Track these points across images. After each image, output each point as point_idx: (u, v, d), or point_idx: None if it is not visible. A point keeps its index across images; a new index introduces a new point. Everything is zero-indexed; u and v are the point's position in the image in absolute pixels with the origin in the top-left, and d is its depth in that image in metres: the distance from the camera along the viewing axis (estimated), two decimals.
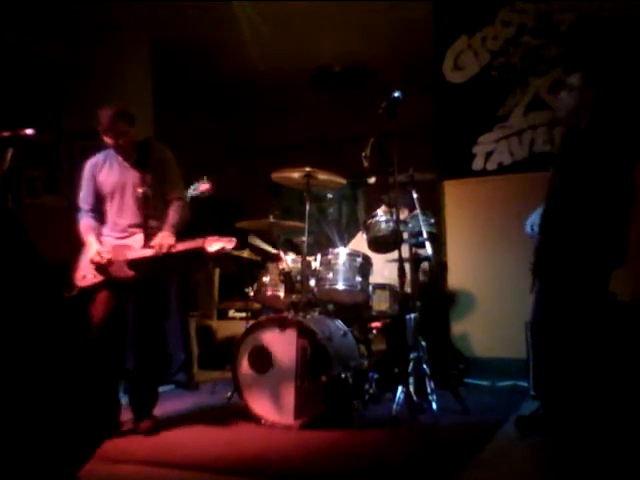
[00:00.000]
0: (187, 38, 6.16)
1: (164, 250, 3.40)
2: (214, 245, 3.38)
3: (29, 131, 3.48)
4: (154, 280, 3.53)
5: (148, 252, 3.42)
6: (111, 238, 3.54)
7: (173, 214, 3.56)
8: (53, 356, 1.88)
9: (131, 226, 3.54)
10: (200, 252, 3.44)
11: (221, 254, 3.46)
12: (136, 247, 3.46)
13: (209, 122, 7.88)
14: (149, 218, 3.53)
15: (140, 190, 3.51)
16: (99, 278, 3.45)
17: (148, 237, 3.48)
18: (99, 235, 3.56)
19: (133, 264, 3.44)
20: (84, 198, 3.63)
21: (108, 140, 3.52)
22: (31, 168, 4.98)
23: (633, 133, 3.54)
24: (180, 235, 4.80)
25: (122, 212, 3.56)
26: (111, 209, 3.58)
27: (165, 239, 3.42)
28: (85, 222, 3.59)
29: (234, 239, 3.41)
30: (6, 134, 3.38)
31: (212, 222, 6.81)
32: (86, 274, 3.47)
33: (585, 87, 3.20)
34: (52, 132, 3.67)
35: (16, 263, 1.86)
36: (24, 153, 3.51)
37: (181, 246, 3.45)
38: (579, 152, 3.16)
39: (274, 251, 4.49)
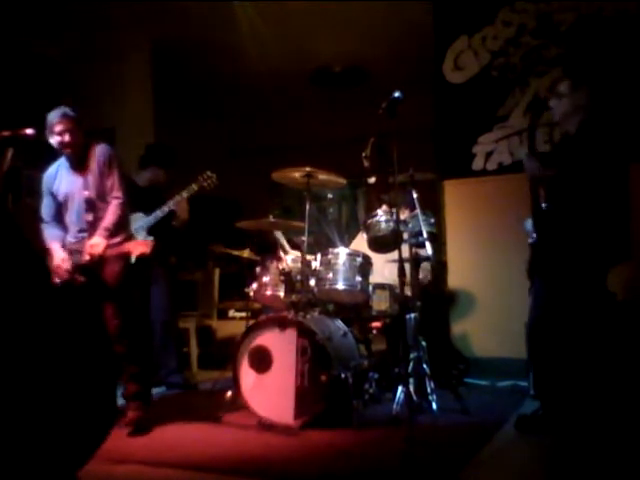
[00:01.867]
0: (187, 38, 6.16)
1: (95, 256, 3.41)
2: (137, 249, 3.46)
3: (29, 131, 3.49)
4: (104, 284, 3.52)
5: (85, 258, 3.44)
6: (69, 244, 3.58)
7: (108, 216, 3.55)
8: (53, 355, 1.88)
9: (81, 231, 3.57)
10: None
11: (144, 257, 3.50)
12: (84, 252, 3.48)
13: (209, 122, 7.88)
14: (96, 221, 3.54)
15: (84, 194, 3.54)
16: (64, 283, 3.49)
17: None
18: (63, 243, 3.60)
19: (82, 270, 3.46)
20: (44, 210, 3.69)
21: (54, 141, 3.54)
22: (31, 168, 4.98)
23: (626, 133, 3.56)
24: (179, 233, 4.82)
25: (73, 218, 3.61)
26: (66, 216, 3.64)
27: (94, 246, 3.43)
28: (48, 232, 3.64)
29: (150, 243, 3.50)
30: (6, 134, 3.39)
31: (213, 222, 6.84)
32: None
33: (574, 93, 3.23)
34: None
35: (12, 262, 1.86)
36: (24, 153, 3.52)
37: (113, 251, 3.47)
38: (572, 155, 3.17)
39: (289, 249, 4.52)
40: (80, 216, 3.58)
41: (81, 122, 3.61)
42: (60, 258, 3.51)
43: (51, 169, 3.71)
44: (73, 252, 3.54)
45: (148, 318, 4.65)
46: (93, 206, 3.56)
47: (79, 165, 3.62)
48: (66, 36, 5.76)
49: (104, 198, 3.59)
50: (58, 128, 3.53)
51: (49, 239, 3.62)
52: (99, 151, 3.63)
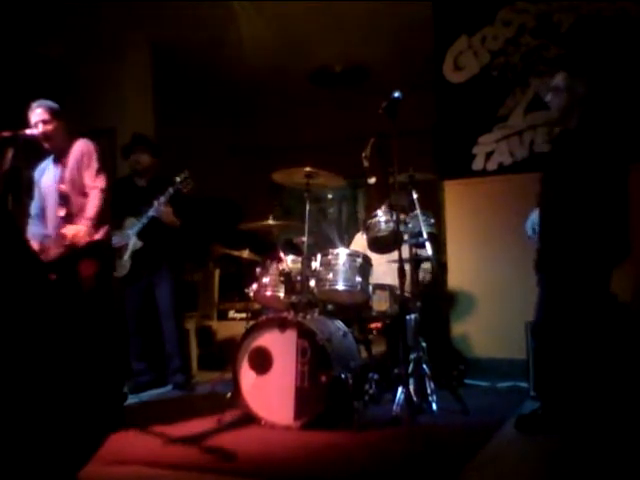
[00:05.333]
0: (187, 38, 6.16)
1: (77, 242, 3.39)
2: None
3: (29, 131, 3.50)
4: (78, 284, 3.48)
5: (60, 250, 3.44)
6: (44, 241, 3.59)
7: (90, 206, 3.54)
8: (53, 355, 1.88)
9: (55, 226, 3.58)
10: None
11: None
12: (53, 247, 3.49)
13: (209, 122, 7.88)
14: (69, 217, 3.53)
15: (59, 188, 3.56)
16: None
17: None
18: (40, 240, 3.60)
19: (54, 266, 3.45)
20: (32, 205, 3.73)
21: (34, 134, 3.56)
22: (31, 168, 4.99)
23: (626, 132, 3.55)
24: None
25: (49, 212, 3.63)
26: (46, 211, 3.67)
27: (76, 232, 3.41)
28: (29, 230, 3.67)
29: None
30: (6, 134, 3.40)
31: (213, 222, 6.83)
32: None
33: (571, 85, 3.21)
34: None
35: (11, 262, 1.86)
36: (24, 153, 3.54)
37: (98, 236, 3.48)
38: (573, 151, 3.17)
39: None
40: (54, 211, 3.58)
41: (60, 114, 3.61)
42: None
43: (42, 164, 3.75)
44: (45, 249, 3.53)
45: (123, 323, 4.66)
46: (67, 200, 3.54)
47: (60, 159, 3.63)
48: (66, 36, 5.76)
49: (80, 192, 3.57)
50: (33, 119, 3.55)
51: (28, 235, 3.63)
52: (79, 145, 3.64)
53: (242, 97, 7.39)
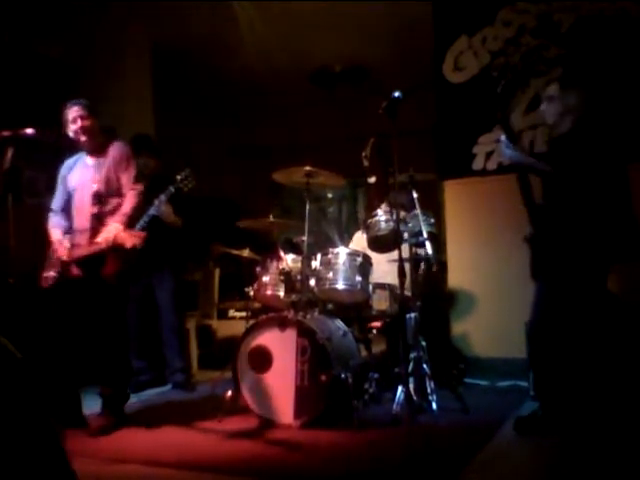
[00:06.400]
0: (187, 38, 6.16)
1: (110, 242, 3.41)
2: (129, 241, 3.45)
3: (29, 131, 3.50)
4: (101, 280, 3.50)
5: (93, 248, 3.46)
6: (70, 236, 3.61)
7: (126, 203, 3.60)
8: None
9: (85, 224, 3.59)
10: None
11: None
12: (84, 244, 3.51)
13: (209, 122, 7.88)
14: (104, 215, 3.56)
15: (93, 187, 3.58)
16: (58, 276, 3.51)
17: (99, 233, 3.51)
18: (65, 233, 3.64)
19: (81, 263, 3.48)
20: (55, 200, 3.75)
21: (71, 132, 3.63)
22: (32, 168, 4.98)
23: (623, 133, 3.55)
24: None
25: (80, 210, 3.64)
26: (72, 208, 3.68)
27: (117, 233, 3.43)
28: (52, 221, 3.69)
29: (142, 235, 3.52)
30: (6, 134, 3.40)
31: (213, 222, 6.84)
32: (48, 275, 3.53)
33: (564, 94, 3.26)
34: (53, 132, 3.72)
35: None
36: (25, 153, 3.56)
37: (131, 240, 3.45)
38: (566, 154, 3.18)
39: None
40: (85, 208, 3.60)
41: (95, 112, 3.69)
42: (58, 240, 3.55)
43: (71, 160, 3.79)
44: (73, 245, 3.56)
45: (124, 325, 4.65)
46: (100, 199, 3.59)
47: (94, 156, 3.69)
48: (66, 36, 5.76)
49: (114, 193, 3.63)
50: (71, 115, 3.62)
51: (51, 228, 3.66)
52: (118, 148, 3.72)
53: (242, 97, 7.38)
